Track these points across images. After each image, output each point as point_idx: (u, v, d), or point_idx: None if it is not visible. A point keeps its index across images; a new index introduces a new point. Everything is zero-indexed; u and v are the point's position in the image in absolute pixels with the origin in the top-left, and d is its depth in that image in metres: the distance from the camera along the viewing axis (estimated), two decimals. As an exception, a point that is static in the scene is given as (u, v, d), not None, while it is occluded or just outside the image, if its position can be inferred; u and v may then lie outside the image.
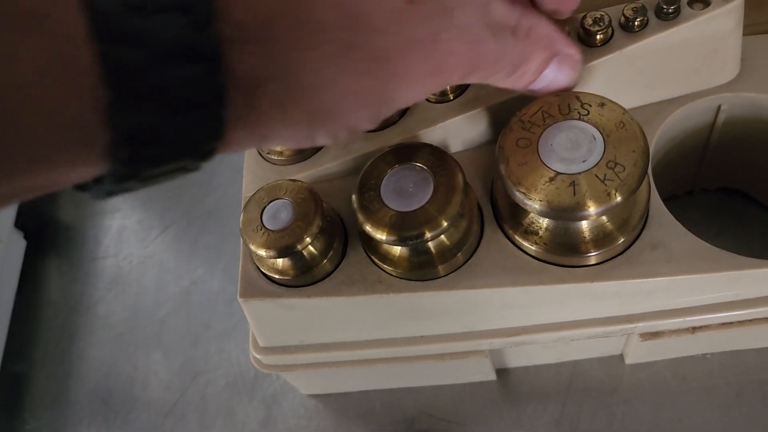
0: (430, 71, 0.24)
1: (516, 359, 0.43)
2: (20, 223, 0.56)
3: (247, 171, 0.39)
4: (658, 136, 0.37)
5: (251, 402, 0.47)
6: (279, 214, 0.34)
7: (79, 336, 0.54)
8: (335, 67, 0.22)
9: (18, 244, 0.56)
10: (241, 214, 0.35)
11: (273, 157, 0.38)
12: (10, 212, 0.55)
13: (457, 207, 0.32)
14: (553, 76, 0.30)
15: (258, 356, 0.39)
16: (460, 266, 0.34)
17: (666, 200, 0.35)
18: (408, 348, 0.37)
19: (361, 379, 0.43)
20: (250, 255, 0.36)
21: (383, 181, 0.33)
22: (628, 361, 0.42)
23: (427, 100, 0.37)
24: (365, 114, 0.24)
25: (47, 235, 0.59)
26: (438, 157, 0.33)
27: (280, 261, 0.34)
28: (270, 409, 0.47)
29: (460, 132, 0.37)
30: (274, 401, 0.47)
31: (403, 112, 0.38)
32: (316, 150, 0.38)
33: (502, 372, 0.44)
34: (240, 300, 0.35)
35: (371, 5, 0.22)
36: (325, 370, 0.40)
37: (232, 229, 0.55)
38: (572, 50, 0.30)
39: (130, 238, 0.57)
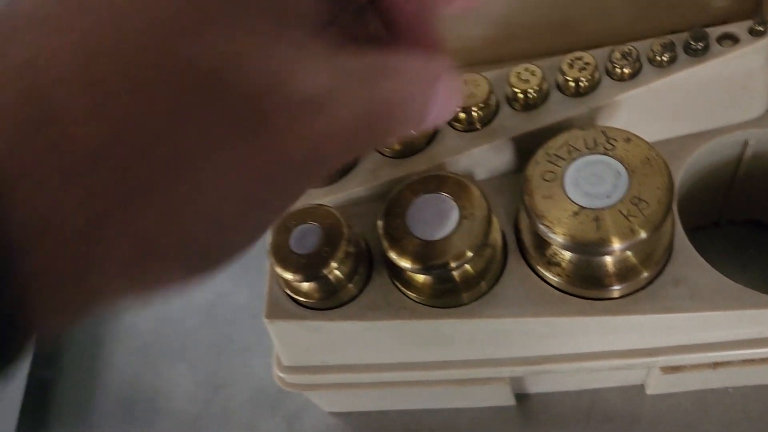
0: (251, 179, 0.18)
1: (536, 385, 0.43)
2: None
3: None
4: (684, 170, 0.37)
5: (273, 417, 0.48)
6: (306, 238, 0.34)
7: (105, 344, 0.55)
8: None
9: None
10: (269, 237, 0.35)
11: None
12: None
13: (481, 238, 0.32)
14: (440, 106, 0.24)
15: (281, 375, 0.40)
16: (483, 295, 0.35)
17: (691, 231, 0.35)
18: (429, 372, 0.38)
19: (383, 399, 0.44)
20: (276, 276, 0.37)
21: (409, 209, 0.34)
22: (650, 391, 0.42)
23: (454, 128, 0.38)
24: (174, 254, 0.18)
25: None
26: (464, 187, 0.33)
27: (305, 284, 0.35)
28: (292, 424, 0.47)
29: (485, 161, 0.38)
30: (296, 417, 0.47)
31: (430, 140, 0.38)
32: (344, 174, 0.39)
33: (521, 397, 0.44)
34: (265, 321, 0.36)
35: (138, 116, 0.16)
36: (346, 390, 0.41)
37: (258, 246, 0.55)
38: (449, 66, 0.24)
39: (158, 250, 0.58)
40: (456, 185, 0.34)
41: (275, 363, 0.40)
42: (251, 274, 0.54)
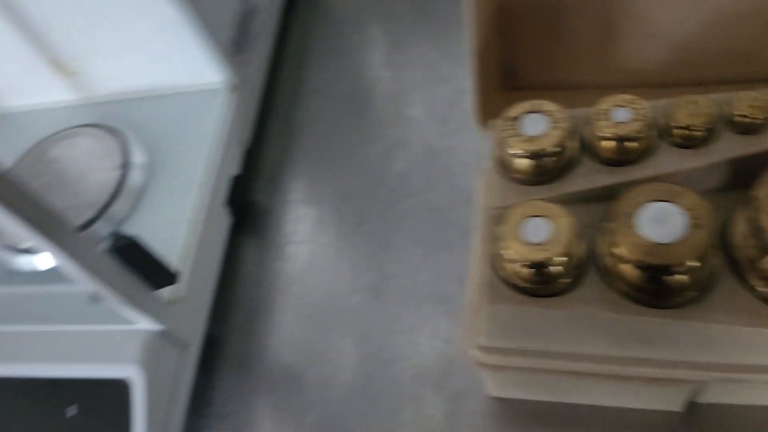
0: None
1: (707, 395, 0.45)
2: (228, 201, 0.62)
3: (488, 187, 0.43)
4: None
5: (438, 395, 0.51)
6: (537, 229, 0.37)
7: (274, 311, 0.59)
8: None
9: (226, 220, 0.61)
10: (498, 226, 0.39)
11: (515, 176, 0.42)
12: (223, 189, 0.61)
13: (706, 248, 0.35)
14: None
15: (476, 352, 0.43)
16: (693, 300, 0.37)
17: None
18: (623, 368, 0.40)
19: (553, 389, 0.47)
20: (491, 261, 0.40)
21: (638, 212, 0.36)
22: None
23: (675, 144, 0.40)
24: None
25: (249, 215, 0.65)
26: (694, 198, 0.36)
27: (526, 271, 0.38)
28: (456, 404, 0.50)
29: (698, 177, 0.40)
30: (460, 397, 0.51)
31: (646, 152, 0.41)
32: (559, 174, 0.42)
33: (688, 405, 0.46)
34: (482, 302, 0.39)
35: None
36: (531, 376, 0.44)
37: (425, 234, 0.59)
38: None
39: (327, 228, 0.62)
40: (686, 196, 0.36)
41: (470, 340, 0.43)
42: (416, 261, 0.58)
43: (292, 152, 0.68)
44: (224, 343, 0.59)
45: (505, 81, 0.59)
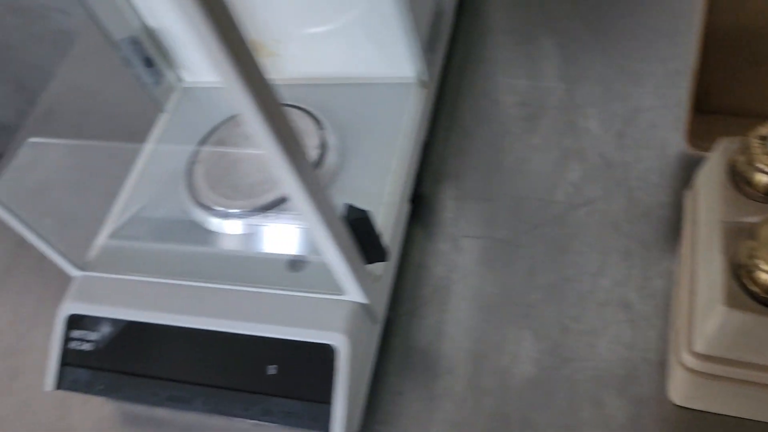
0: None
1: None
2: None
3: (721, 200, 0.45)
4: None
5: (619, 398, 0.53)
6: (791, 245, 0.39)
7: (448, 299, 0.61)
8: None
9: (407, 209, 0.64)
10: (747, 239, 0.41)
11: (753, 193, 0.44)
12: (412, 180, 0.64)
13: None
14: None
15: (690, 358, 0.45)
16: None
17: None
18: None
19: (754, 405, 0.48)
20: (731, 269, 0.42)
21: None
22: None
23: None
24: None
25: (422, 206, 0.67)
26: None
27: (773, 283, 0.40)
28: (638, 408, 0.52)
29: None
30: (641, 402, 0.52)
31: None
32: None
33: None
34: (722, 308, 0.41)
35: None
36: (738, 388, 0.45)
37: (602, 242, 0.61)
38: None
39: (501, 226, 0.64)
40: None
41: (684, 347, 0.45)
42: (594, 266, 0.60)
43: (462, 151, 0.71)
44: (395, 326, 0.61)
45: (697, 103, 0.61)
